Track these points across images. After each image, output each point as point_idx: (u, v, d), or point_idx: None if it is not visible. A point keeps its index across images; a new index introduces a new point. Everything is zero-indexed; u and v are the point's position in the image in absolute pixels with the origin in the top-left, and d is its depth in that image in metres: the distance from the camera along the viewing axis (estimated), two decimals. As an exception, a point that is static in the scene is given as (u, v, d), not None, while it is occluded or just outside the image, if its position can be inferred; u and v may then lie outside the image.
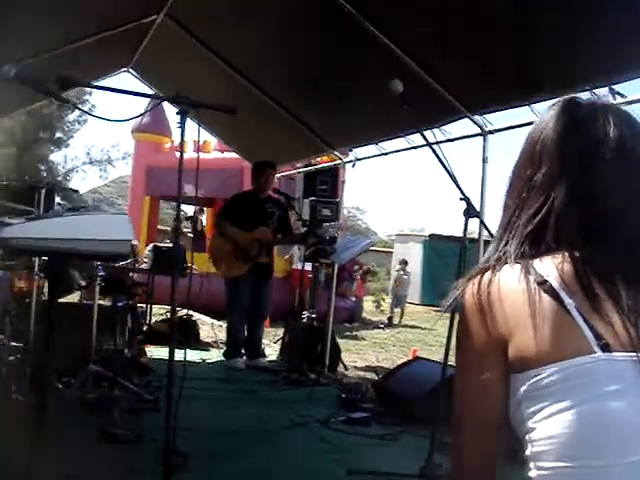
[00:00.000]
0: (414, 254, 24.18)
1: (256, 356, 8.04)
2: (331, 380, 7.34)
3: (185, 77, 8.47)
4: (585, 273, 1.19)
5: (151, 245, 9.38)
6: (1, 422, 3.81)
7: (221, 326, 10.43)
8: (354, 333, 14.07)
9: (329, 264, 8.27)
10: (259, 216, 7.82)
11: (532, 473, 1.21)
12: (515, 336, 1.21)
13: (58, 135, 35.80)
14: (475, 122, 5.80)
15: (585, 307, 1.17)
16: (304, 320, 8.63)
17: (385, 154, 7.34)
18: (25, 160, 34.47)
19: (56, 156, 38.44)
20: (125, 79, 10.97)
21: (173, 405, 5.17)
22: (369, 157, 7.89)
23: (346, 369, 8.24)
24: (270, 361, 8.32)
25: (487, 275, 1.28)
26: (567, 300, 1.17)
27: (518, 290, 1.21)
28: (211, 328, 10.46)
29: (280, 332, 9.53)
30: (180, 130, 3.14)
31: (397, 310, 18.56)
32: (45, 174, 36.31)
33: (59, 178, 37.02)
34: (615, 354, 1.12)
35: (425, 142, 4.72)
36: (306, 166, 10.12)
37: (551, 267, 1.22)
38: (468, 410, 1.33)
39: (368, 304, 20.23)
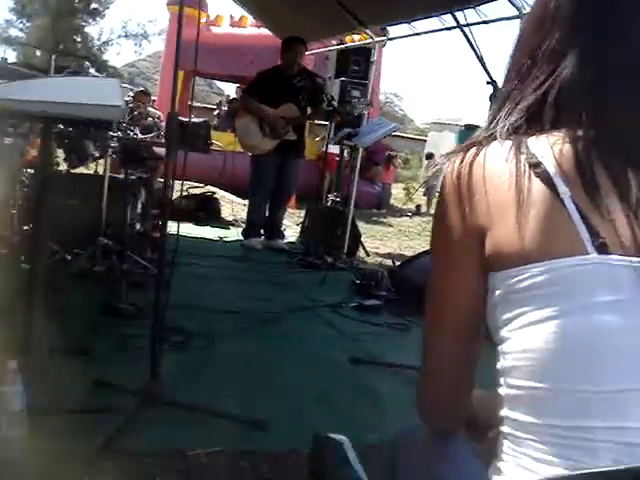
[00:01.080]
0: (448, 144, 23.75)
1: (274, 237, 7.95)
2: (348, 265, 7.23)
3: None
4: (587, 157, 0.97)
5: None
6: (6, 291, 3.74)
7: (244, 205, 10.34)
8: (380, 219, 13.92)
9: (353, 148, 8.03)
10: (287, 92, 7.55)
11: (501, 390, 1.03)
12: (496, 227, 1.00)
13: (94, 6, 35.21)
14: (513, 3, 5.44)
15: (583, 198, 0.95)
16: (328, 203, 8.48)
17: (417, 34, 7.00)
18: (60, 30, 34.04)
19: (91, 28, 37.95)
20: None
21: (168, 282, 5.17)
22: (401, 37, 7.56)
23: (367, 255, 8.12)
24: (289, 243, 8.23)
25: (471, 152, 1.07)
26: (562, 188, 0.96)
27: (505, 172, 1.00)
28: (233, 207, 10.36)
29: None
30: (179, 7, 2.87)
31: (426, 199, 18.25)
32: (80, 45, 35.95)
33: (94, 50, 36.66)
34: (613, 257, 0.92)
35: (455, 23, 4.46)
36: (339, 44, 9.79)
37: (548, 147, 1.00)
38: (438, 305, 1.15)
39: (398, 191, 19.98)
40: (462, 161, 1.06)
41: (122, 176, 5.62)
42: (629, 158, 0.97)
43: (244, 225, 8.31)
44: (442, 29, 6.28)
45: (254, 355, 4.15)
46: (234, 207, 10.26)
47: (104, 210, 5.44)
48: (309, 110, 7.67)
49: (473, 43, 3.85)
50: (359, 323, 5.07)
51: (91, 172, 6.72)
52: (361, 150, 7.98)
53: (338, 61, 9.51)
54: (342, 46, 9.38)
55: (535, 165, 0.99)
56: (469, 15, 5.58)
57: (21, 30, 36.99)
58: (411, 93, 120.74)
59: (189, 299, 5.07)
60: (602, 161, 0.97)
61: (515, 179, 0.99)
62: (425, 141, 28.73)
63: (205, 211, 9.38)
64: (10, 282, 3.52)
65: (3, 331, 3.53)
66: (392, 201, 17.86)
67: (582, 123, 1.00)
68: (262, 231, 8.01)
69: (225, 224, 9.38)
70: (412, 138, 30.96)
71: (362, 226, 10.34)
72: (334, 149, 9.47)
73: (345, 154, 8.95)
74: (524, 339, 0.97)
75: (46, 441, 2.68)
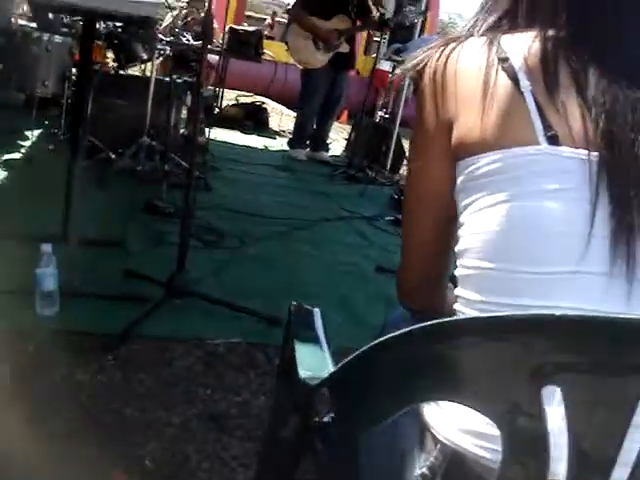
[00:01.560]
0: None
1: (319, 149, 7.99)
2: (389, 181, 7.27)
3: None
4: (553, 55, 1.02)
5: (228, 27, 9.17)
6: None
7: (293, 117, 10.37)
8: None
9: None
10: (337, 3, 7.47)
11: (457, 271, 1.13)
12: (461, 117, 1.06)
13: None
14: None
15: (542, 94, 1.00)
16: (375, 120, 8.46)
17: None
18: None
19: None
20: None
21: (207, 185, 5.25)
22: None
23: (410, 172, 8.11)
24: (333, 156, 8.26)
25: (449, 47, 1.11)
26: (524, 82, 1.01)
27: (476, 65, 1.05)
28: (282, 118, 10.39)
29: (354, 130, 9.41)
30: None
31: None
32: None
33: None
34: (563, 148, 0.97)
35: None
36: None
37: (519, 44, 1.05)
38: (410, 193, 1.22)
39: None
40: (439, 56, 1.11)
41: (168, 79, 5.69)
42: (593, 56, 1.01)
43: (290, 135, 8.36)
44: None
45: (283, 258, 4.28)
46: (282, 118, 10.29)
47: (149, 111, 5.53)
48: (359, 22, 7.58)
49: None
50: (391, 236, 5.13)
51: (139, 74, 6.79)
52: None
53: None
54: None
55: (503, 60, 1.03)
56: None
57: None
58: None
59: (228, 202, 5.21)
60: (566, 58, 1.02)
61: (484, 72, 1.04)
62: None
63: (253, 120, 9.44)
64: (56, 175, 3.66)
65: (42, 216, 3.71)
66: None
67: (555, 23, 1.05)
68: (308, 142, 8.05)
69: (272, 134, 9.44)
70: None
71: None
72: (387, 65, 9.39)
73: (397, 70, 8.85)
74: (476, 222, 1.04)
75: (75, 322, 2.86)
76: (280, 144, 8.56)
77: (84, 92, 3.28)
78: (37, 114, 5.70)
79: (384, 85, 10.55)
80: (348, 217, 5.51)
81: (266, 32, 15.99)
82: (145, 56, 5.88)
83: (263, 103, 10.23)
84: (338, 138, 9.80)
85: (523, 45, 1.04)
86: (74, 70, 5.50)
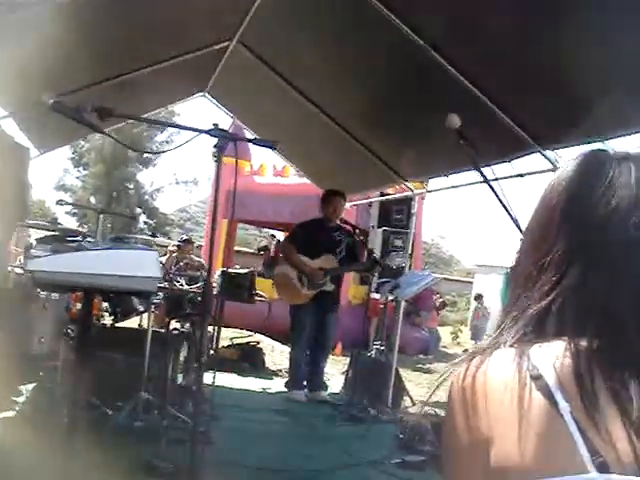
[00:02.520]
0: (495, 286, 23.66)
1: (317, 388, 7.88)
2: (391, 418, 7.11)
3: (258, 103, 8.51)
4: (588, 369, 0.96)
5: (219, 270, 9.35)
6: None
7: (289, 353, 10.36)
8: (427, 366, 13.75)
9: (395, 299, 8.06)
10: (326, 244, 7.69)
11: None
12: (498, 441, 0.98)
13: (146, 154, 36.79)
14: (546, 157, 5.54)
15: (582, 414, 0.93)
16: (371, 352, 8.43)
17: (454, 187, 7.15)
18: (114, 178, 35.51)
19: (143, 175, 39.48)
20: (202, 103, 11.01)
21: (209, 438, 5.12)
22: (439, 189, 7.74)
23: (413, 404, 7.98)
24: (333, 394, 8.13)
25: (475, 362, 1.05)
26: (562, 403, 0.94)
27: (506, 384, 0.99)
28: (274, 356, 10.35)
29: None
30: (216, 165, 3.02)
31: (474, 342, 18.08)
32: (132, 192, 37.30)
33: (146, 197, 37.97)
34: (613, 477, 0.88)
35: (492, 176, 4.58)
36: (381, 195, 10.00)
37: (550, 358, 0.99)
38: None
39: (446, 334, 19.84)
40: (466, 371, 1.05)
41: (164, 330, 5.69)
42: (632, 370, 0.96)
43: (287, 375, 8.27)
44: (476, 182, 6.42)
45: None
46: (278, 356, 10.24)
47: (146, 364, 5.48)
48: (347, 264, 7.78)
49: (501, 197, 3.92)
50: (401, 482, 4.94)
51: (136, 325, 6.81)
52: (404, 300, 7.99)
53: (380, 210, 9.73)
54: (383, 198, 9.58)
55: (536, 378, 0.97)
56: (505, 169, 5.73)
57: (77, 178, 38.65)
58: (457, 235, 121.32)
59: (230, 457, 5.04)
60: (603, 373, 0.96)
61: (517, 393, 0.97)
62: (472, 283, 28.68)
63: (249, 361, 9.40)
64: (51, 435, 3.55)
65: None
66: (442, 348, 17.69)
67: (585, 334, 1.00)
68: (305, 382, 7.95)
69: (269, 374, 9.34)
70: (459, 280, 30.96)
71: (409, 373, 10.25)
72: (378, 294, 9.53)
73: (389, 300, 8.96)
74: None
75: None
76: (277, 385, 8.43)
77: (82, 360, 3.23)
78: (32, 367, 5.64)
79: (377, 314, 10.65)
80: (355, 464, 5.30)
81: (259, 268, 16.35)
82: (141, 308, 5.92)
83: (258, 343, 10.23)
84: (335, 373, 9.71)
85: (555, 360, 0.99)
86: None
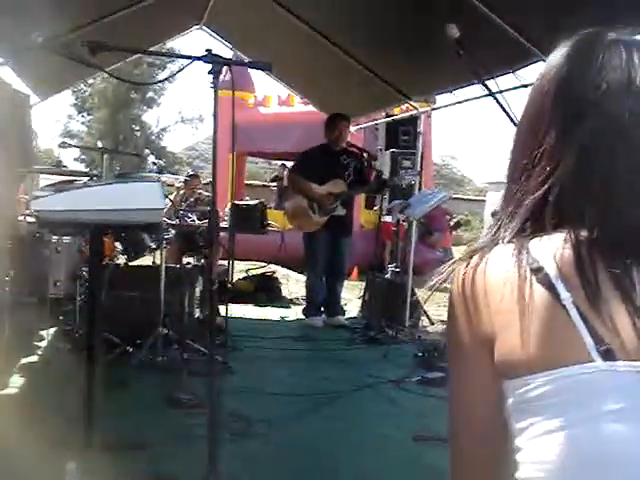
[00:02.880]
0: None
1: (335, 314, 7.92)
2: (410, 337, 7.16)
3: (256, 32, 8.38)
4: (590, 259, 0.94)
5: (229, 204, 9.34)
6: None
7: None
8: (444, 284, 13.78)
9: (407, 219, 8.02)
10: (334, 169, 7.62)
11: None
12: (500, 336, 0.97)
13: (149, 95, 36.47)
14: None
15: (585, 303, 0.91)
16: (387, 275, 8.44)
17: (459, 102, 7.05)
18: (119, 121, 35.32)
19: (148, 116, 39.25)
20: (201, 37, 10.85)
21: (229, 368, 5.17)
22: (444, 106, 7.66)
23: (432, 323, 8.02)
24: (350, 318, 8.18)
25: (475, 260, 1.03)
26: (564, 294, 0.92)
27: (507, 278, 0.97)
28: (289, 286, 10.38)
29: (367, 285, 9.38)
30: (213, 91, 2.97)
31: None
32: (139, 134, 37.14)
33: (153, 137, 37.81)
34: (618, 363, 0.88)
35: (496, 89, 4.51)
36: (387, 116, 9.88)
37: (550, 250, 0.97)
38: (455, 415, 1.10)
39: (460, 254, 19.83)
40: (466, 269, 1.03)
41: (178, 265, 5.72)
42: (634, 257, 0.94)
43: (304, 303, 8.34)
44: (479, 97, 6.32)
45: (315, 440, 4.12)
46: (293, 285, 10.28)
47: (162, 300, 5.51)
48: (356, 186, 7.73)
49: (507, 109, 3.85)
50: (423, 398, 4.99)
51: (150, 263, 6.83)
52: (417, 219, 7.95)
53: (387, 132, 9.60)
54: (389, 119, 9.45)
55: (537, 270, 0.96)
56: (510, 80, 5.64)
57: (82, 124, 38.46)
58: (468, 154, 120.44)
59: (251, 383, 5.12)
60: (605, 261, 0.94)
61: (517, 286, 0.96)
62: (484, 201, 28.52)
63: (265, 291, 9.43)
64: (74, 378, 3.59)
65: (63, 422, 3.61)
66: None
67: (584, 223, 0.97)
68: (322, 308, 8.01)
69: (286, 303, 9.39)
70: (471, 199, 30.82)
71: (426, 293, 10.27)
72: (390, 217, 9.49)
73: (402, 222, 8.93)
74: (536, 450, 0.93)
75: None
76: (295, 312, 8.50)
77: (95, 298, 3.24)
78: (51, 311, 5.69)
79: (390, 237, 10.64)
80: (375, 383, 5.35)
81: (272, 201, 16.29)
82: (153, 245, 5.94)
83: (273, 272, 10.25)
84: (352, 298, 9.75)
85: (555, 251, 0.96)
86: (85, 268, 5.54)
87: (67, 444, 3.11)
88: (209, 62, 2.88)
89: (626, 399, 0.88)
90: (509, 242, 1.03)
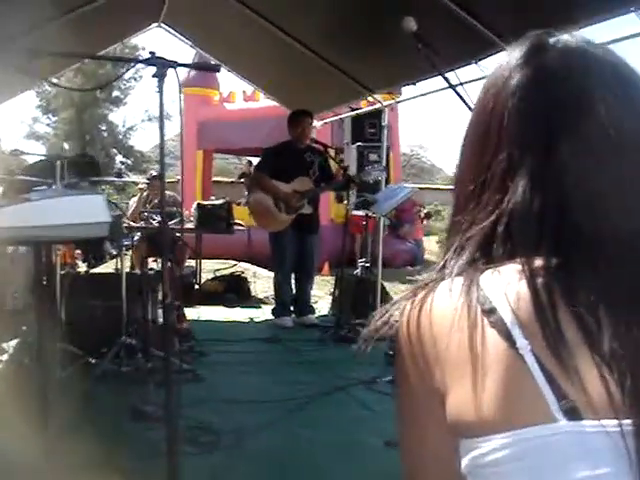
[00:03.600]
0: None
1: (305, 313, 7.82)
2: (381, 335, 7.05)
3: (215, 29, 8.23)
4: (548, 296, 0.80)
5: (195, 203, 9.17)
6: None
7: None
8: (416, 277, 13.73)
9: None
10: (298, 166, 7.49)
11: None
12: (451, 390, 0.83)
13: (115, 94, 36.09)
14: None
15: (546, 352, 0.78)
16: (356, 271, 8.35)
17: (423, 95, 6.97)
18: (85, 122, 34.93)
19: (115, 115, 38.86)
20: (164, 35, 10.71)
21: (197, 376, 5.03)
22: (407, 99, 7.58)
23: (403, 317, 7.91)
24: (320, 316, 8.08)
25: (418, 298, 0.89)
26: (520, 341, 0.79)
27: (455, 322, 0.83)
28: (265, 281, 10.25)
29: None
30: (159, 95, 2.83)
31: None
32: (106, 134, 36.76)
33: (120, 137, 37.44)
34: (585, 423, 0.75)
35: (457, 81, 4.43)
36: (352, 110, 9.77)
37: (503, 286, 0.83)
38: (410, 462, 0.96)
39: (431, 244, 19.77)
40: (410, 311, 0.89)
41: (139, 272, 5.58)
42: (600, 292, 0.81)
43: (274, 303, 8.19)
44: (441, 89, 6.24)
45: (285, 450, 4.02)
46: (263, 283, 10.14)
47: (124, 308, 5.37)
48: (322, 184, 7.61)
49: (468, 101, 3.76)
50: (393, 399, 4.88)
51: (113, 270, 6.68)
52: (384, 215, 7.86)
53: (353, 127, 9.53)
54: (354, 113, 9.35)
55: (489, 312, 0.82)
56: (473, 71, 5.55)
57: (48, 125, 37.98)
58: (437, 143, 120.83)
59: (219, 392, 5.00)
60: (565, 296, 0.81)
61: (467, 332, 0.82)
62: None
63: (235, 292, 9.29)
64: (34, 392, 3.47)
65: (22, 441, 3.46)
66: (427, 256, 17.65)
67: (540, 252, 0.84)
68: (292, 307, 7.88)
69: (256, 302, 9.26)
70: (441, 189, 30.80)
71: (397, 287, 10.18)
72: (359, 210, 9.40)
73: (371, 215, 8.83)
74: None
75: None
76: (265, 312, 8.36)
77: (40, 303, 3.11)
78: (12, 322, 5.53)
79: (360, 231, 10.57)
80: (345, 386, 5.24)
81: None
82: (114, 252, 5.80)
83: (242, 272, 10.12)
84: (322, 294, 9.64)
85: (508, 288, 0.83)
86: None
87: (24, 461, 2.97)
88: (153, 65, 2.74)
89: (597, 465, 0.74)
90: (457, 276, 0.90)
